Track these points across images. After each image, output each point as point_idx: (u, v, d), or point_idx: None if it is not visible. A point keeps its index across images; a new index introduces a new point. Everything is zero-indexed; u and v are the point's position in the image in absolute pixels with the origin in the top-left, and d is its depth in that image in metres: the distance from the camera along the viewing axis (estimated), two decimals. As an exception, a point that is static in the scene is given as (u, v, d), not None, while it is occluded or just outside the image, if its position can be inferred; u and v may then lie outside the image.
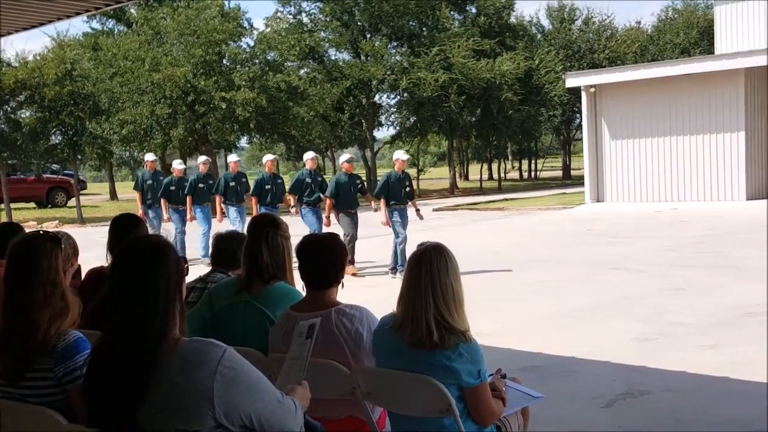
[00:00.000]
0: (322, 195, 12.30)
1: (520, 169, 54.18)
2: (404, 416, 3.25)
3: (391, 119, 38.61)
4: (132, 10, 31.96)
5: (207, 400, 2.16)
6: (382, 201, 11.61)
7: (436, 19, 35.72)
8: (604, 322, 8.29)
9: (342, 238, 10.90)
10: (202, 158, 14.85)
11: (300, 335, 2.89)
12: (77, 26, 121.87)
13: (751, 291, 9.18)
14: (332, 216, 12.06)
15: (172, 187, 14.17)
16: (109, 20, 35.98)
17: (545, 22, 44.81)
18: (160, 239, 2.37)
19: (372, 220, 12.91)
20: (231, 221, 13.61)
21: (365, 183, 13.08)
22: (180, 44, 28.52)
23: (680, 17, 45.10)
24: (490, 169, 50.36)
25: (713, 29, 23.63)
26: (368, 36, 35.98)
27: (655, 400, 5.66)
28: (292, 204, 12.79)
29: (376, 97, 37.04)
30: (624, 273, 10.82)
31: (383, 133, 79.35)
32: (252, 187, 13.24)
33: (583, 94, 22.26)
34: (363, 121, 36.60)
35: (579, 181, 30.23)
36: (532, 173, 52.28)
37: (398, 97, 36.40)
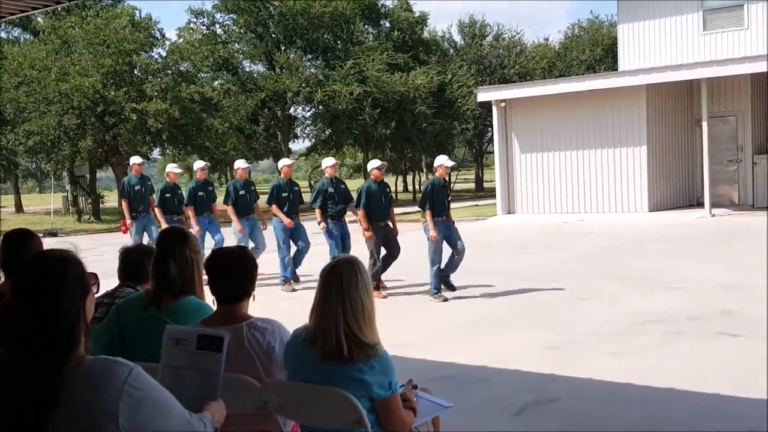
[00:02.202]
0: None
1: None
2: (316, 429, 3.27)
3: (306, 131, 38.62)
4: (39, 19, 31.11)
5: (112, 420, 2.10)
6: (428, 213, 10.26)
7: (351, 33, 35.90)
8: (514, 332, 8.46)
9: (369, 259, 10.58)
10: (200, 163, 13.51)
11: (170, 340, 2.86)
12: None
13: (652, 300, 9.51)
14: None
15: (167, 194, 12.93)
16: (15, 29, 34.93)
17: (457, 38, 45.55)
18: (65, 254, 2.29)
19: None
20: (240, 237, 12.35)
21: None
22: (89, 54, 27.92)
23: (586, 35, 46.41)
24: (405, 181, 50.74)
25: (617, 47, 24.39)
26: (283, 48, 35.90)
27: (563, 407, 5.81)
28: (318, 219, 11.38)
29: (292, 110, 36.95)
30: (533, 283, 11.05)
31: (299, 145, 79.19)
32: (268, 195, 11.95)
33: (494, 109, 22.67)
34: (278, 133, 36.45)
35: (491, 193, 30.71)
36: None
37: (313, 109, 36.39)
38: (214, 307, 3.48)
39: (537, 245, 15.91)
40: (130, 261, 4.35)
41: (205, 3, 63.58)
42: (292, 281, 11.67)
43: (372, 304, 3.18)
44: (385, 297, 10.51)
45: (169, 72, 29.99)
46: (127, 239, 12.92)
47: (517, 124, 22.26)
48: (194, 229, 12.42)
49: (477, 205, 30.28)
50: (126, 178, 13.93)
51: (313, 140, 38.09)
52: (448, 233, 10.39)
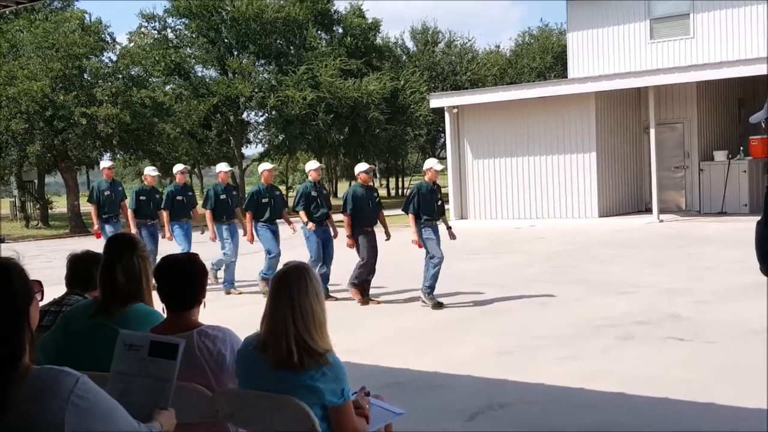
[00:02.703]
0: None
1: (387, 186, 54.85)
2: (268, 437, 3.25)
3: (259, 136, 38.38)
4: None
5: (58, 430, 2.06)
6: (412, 217, 10.16)
7: (304, 38, 35.82)
8: (466, 337, 8.51)
9: (357, 264, 10.37)
10: (179, 167, 12.97)
11: (123, 345, 2.82)
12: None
13: (603, 305, 9.63)
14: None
15: (142, 197, 12.54)
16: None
17: (410, 44, 45.75)
18: (7, 261, 2.24)
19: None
20: (223, 244, 12.00)
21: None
22: (37, 58, 27.41)
23: (536, 42, 46.95)
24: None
25: (567, 54, 24.71)
26: (235, 53, 35.67)
27: (515, 412, 5.85)
28: (304, 220, 10.92)
29: (244, 115, 36.71)
30: (486, 288, 11.12)
31: (252, 150, 78.46)
32: (246, 200, 11.59)
33: (447, 115, 22.81)
34: (231, 138, 36.18)
35: (444, 198, 30.83)
36: (400, 191, 53.02)
37: (266, 114, 36.19)
38: (165, 315, 3.45)
39: (489, 251, 16.02)
40: (78, 268, 4.27)
41: (157, 7, 63.08)
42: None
43: (323, 311, 3.17)
44: (365, 303, 10.47)
45: (120, 76, 29.58)
46: (80, 245, 12.75)
47: (469, 130, 22.42)
48: (166, 235, 12.25)
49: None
50: (96, 182, 13.40)
51: (266, 145, 37.88)
52: (433, 236, 10.21)
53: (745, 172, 20.02)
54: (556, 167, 20.88)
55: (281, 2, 35.86)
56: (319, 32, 37.44)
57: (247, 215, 11.33)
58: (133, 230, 12.10)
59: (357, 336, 8.50)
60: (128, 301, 3.58)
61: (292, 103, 32.57)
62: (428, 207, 10.18)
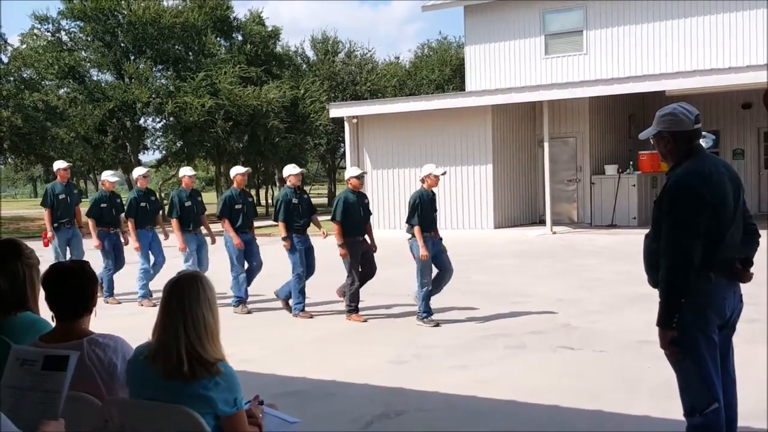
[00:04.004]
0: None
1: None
2: (159, 448, 3.20)
3: (156, 143, 37.60)
4: None
5: None
6: (418, 229, 9.35)
7: (203, 45, 35.32)
8: (364, 346, 8.56)
9: (347, 278, 9.69)
10: (140, 170, 12.02)
11: (15, 361, 2.76)
12: None
13: (497, 314, 9.83)
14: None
15: (103, 204, 11.67)
16: None
17: (310, 53, 45.69)
18: None
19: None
20: (186, 254, 11.21)
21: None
22: None
23: (435, 55, 47.60)
24: (258, 195, 50.31)
25: (464, 67, 25.13)
26: (132, 58, 34.87)
27: (410, 420, 5.93)
28: (283, 234, 10.16)
29: (141, 120, 35.91)
30: (383, 298, 11.20)
31: (149, 157, 76.80)
32: (219, 207, 10.90)
33: (346, 125, 22.87)
34: (127, 144, 35.33)
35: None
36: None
37: (164, 120, 35.50)
38: (53, 324, 3.36)
39: (388, 260, 16.04)
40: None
41: (50, 9, 61.13)
42: (246, 303, 10.70)
43: (216, 320, 3.15)
44: (365, 321, 9.79)
45: (12, 79, 28.63)
46: (47, 253, 11.93)
47: (368, 140, 22.55)
48: (134, 245, 11.42)
49: (330, 220, 30.36)
50: (50, 185, 12.49)
51: (164, 152, 37.15)
52: (436, 251, 9.54)
53: (634, 186, 20.81)
54: (453, 178, 21.18)
55: (179, 7, 35.30)
56: (218, 39, 36.99)
57: (225, 222, 10.59)
58: (95, 241, 11.52)
59: (254, 345, 8.45)
60: (12, 309, 3.48)
61: (190, 109, 32.06)
62: (429, 218, 9.49)
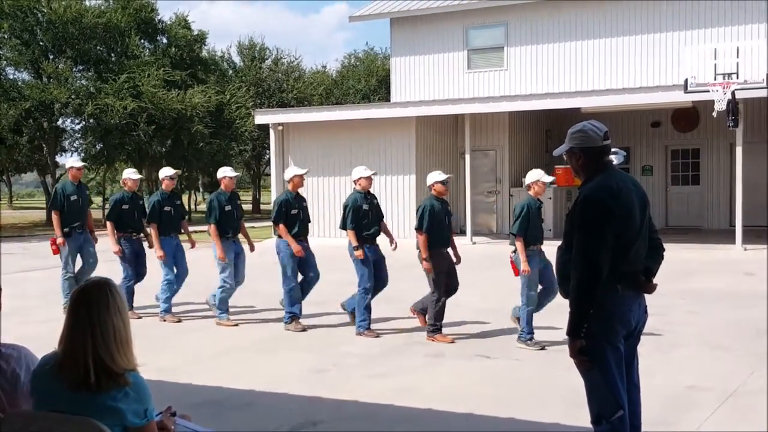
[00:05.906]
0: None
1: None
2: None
3: (75, 145, 36.70)
4: None
5: None
6: (520, 242, 8.47)
7: (126, 46, 34.67)
8: (282, 354, 8.56)
9: (431, 294, 8.88)
10: (167, 171, 10.86)
11: None
12: None
13: (415, 322, 9.91)
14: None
15: (125, 206, 10.55)
16: None
17: (237, 59, 45.34)
18: None
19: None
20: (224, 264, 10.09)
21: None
22: None
23: (362, 65, 47.79)
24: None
25: (390, 78, 25.35)
26: (51, 57, 34.01)
27: (328, 429, 5.96)
28: (354, 243, 9.36)
29: (59, 121, 35.02)
30: (306, 306, 11.19)
31: (67, 159, 74.99)
32: (207, 212, 10.14)
33: (272, 132, 22.78)
34: (44, 145, 34.41)
35: (268, 215, 30.72)
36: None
37: (84, 122, 34.69)
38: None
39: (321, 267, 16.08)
40: None
41: (-35, 3, 59.09)
42: (299, 319, 9.88)
43: (126, 328, 3.05)
44: (452, 341, 8.81)
45: None
46: (55, 261, 10.96)
47: (294, 147, 22.50)
48: (157, 253, 10.29)
49: (254, 227, 30.17)
50: (60, 185, 11.34)
51: (83, 154, 36.28)
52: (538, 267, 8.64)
53: (550, 198, 21.23)
54: (378, 188, 21.24)
55: (102, 8, 34.62)
56: (142, 41, 36.37)
57: (211, 228, 10.04)
58: (115, 246, 10.39)
59: (170, 354, 8.37)
60: None
61: (111, 111, 31.43)
62: (536, 230, 8.61)
